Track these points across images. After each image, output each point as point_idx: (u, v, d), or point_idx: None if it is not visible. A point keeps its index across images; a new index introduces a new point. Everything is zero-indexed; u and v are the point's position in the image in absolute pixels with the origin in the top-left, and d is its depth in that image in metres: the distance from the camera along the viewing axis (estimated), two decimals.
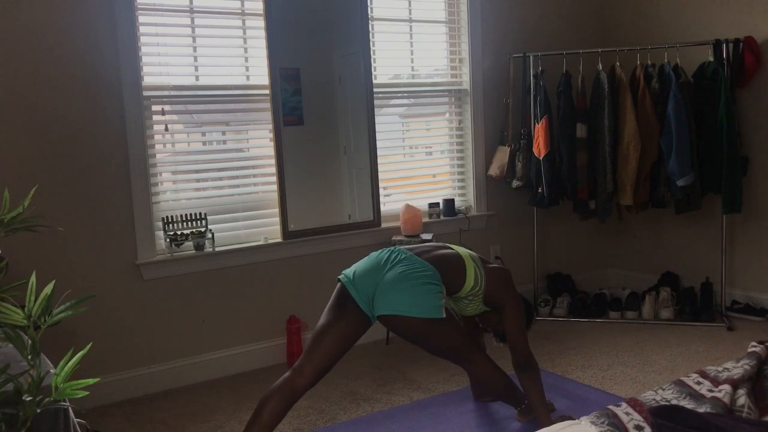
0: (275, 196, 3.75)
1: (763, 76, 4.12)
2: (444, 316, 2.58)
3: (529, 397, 2.81)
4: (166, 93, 3.50)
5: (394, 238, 4.03)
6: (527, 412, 2.92)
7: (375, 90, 4.04)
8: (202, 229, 3.56)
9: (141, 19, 3.39)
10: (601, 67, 4.18)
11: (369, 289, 2.60)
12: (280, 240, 3.76)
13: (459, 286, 2.71)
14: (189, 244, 3.54)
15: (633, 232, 4.90)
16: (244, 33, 3.72)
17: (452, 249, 2.81)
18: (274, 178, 3.74)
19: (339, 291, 2.69)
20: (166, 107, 3.52)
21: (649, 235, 4.82)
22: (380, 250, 2.75)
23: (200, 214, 3.57)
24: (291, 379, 2.57)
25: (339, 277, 2.72)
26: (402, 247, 2.76)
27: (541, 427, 2.64)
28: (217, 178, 3.73)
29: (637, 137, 4.05)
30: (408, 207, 4.08)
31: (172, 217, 3.49)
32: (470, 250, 2.91)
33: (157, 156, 3.52)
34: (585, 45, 4.52)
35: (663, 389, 2.11)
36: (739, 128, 4.07)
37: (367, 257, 2.75)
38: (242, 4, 3.69)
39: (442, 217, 4.31)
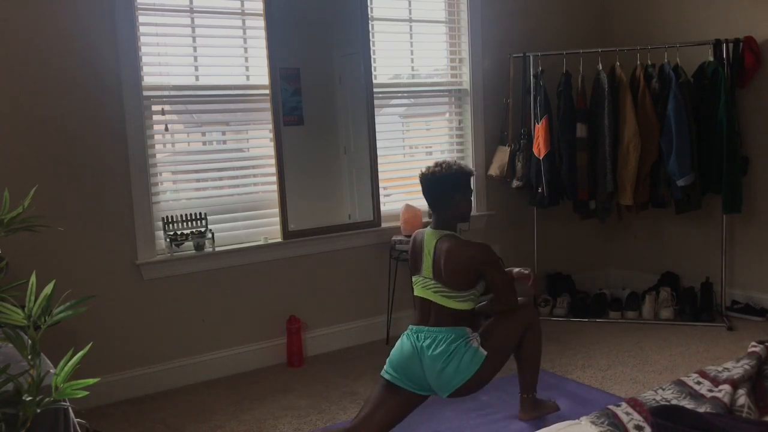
0: (275, 196, 3.75)
1: (763, 76, 4.12)
2: (485, 353, 2.65)
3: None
4: (166, 93, 3.50)
5: (394, 238, 4.03)
6: (529, 408, 2.92)
7: (375, 90, 4.03)
8: (202, 229, 3.56)
9: (141, 19, 3.39)
10: (601, 67, 4.18)
11: (423, 381, 2.70)
12: (280, 240, 3.75)
13: (466, 314, 2.74)
14: (189, 244, 3.54)
15: (633, 232, 4.90)
16: (244, 33, 3.72)
17: (431, 301, 2.75)
18: (274, 178, 3.74)
19: (388, 384, 2.75)
20: (166, 107, 3.52)
21: (649, 235, 4.82)
22: (404, 337, 2.78)
23: (200, 214, 3.56)
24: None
25: (383, 374, 2.77)
26: (420, 326, 2.75)
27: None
28: (217, 178, 3.73)
29: (637, 137, 4.05)
30: (408, 207, 4.08)
31: (172, 217, 3.48)
32: (432, 279, 2.76)
33: (157, 156, 3.52)
34: (585, 45, 4.51)
35: (663, 389, 2.11)
36: (739, 128, 4.07)
37: (396, 352, 2.77)
38: (242, 4, 3.69)
39: None
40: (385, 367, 2.78)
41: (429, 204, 2.84)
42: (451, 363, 2.63)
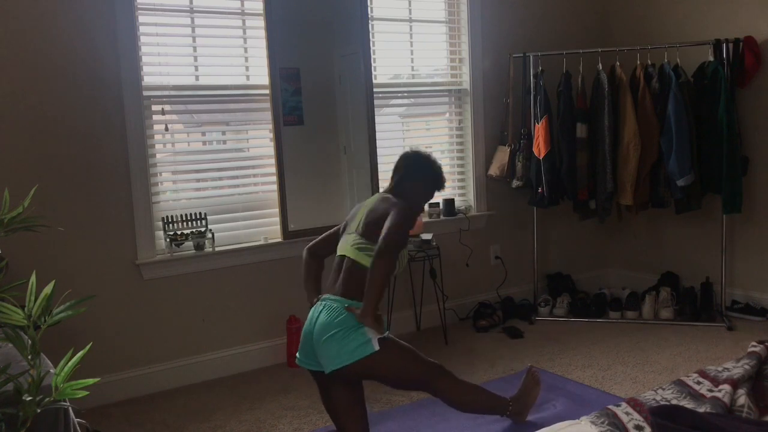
0: (275, 196, 3.75)
1: (763, 76, 4.12)
2: (376, 348, 2.45)
3: (366, 291, 2.48)
4: (166, 93, 3.50)
5: None
6: (516, 416, 2.88)
7: (375, 90, 4.03)
8: (202, 229, 3.56)
9: (141, 19, 3.39)
10: (601, 67, 4.18)
11: (313, 354, 2.57)
12: (280, 240, 3.75)
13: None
14: (189, 244, 3.54)
15: (633, 232, 4.90)
16: (244, 33, 3.72)
17: (343, 256, 2.62)
18: (274, 178, 3.74)
19: (310, 372, 2.69)
20: (166, 107, 3.52)
21: (649, 235, 4.82)
22: (313, 307, 2.64)
23: (200, 214, 3.57)
24: None
25: (296, 361, 2.70)
26: (326, 291, 2.64)
27: (362, 318, 2.45)
28: (217, 178, 3.73)
29: (637, 137, 4.05)
30: None
31: (172, 217, 3.49)
32: (355, 233, 2.64)
33: (157, 156, 3.52)
34: (585, 45, 4.51)
35: (663, 389, 2.11)
36: (739, 128, 4.07)
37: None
38: (242, 4, 3.69)
39: (442, 217, 4.31)
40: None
41: (392, 175, 2.79)
42: (334, 338, 2.46)
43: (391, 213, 2.55)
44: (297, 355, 2.67)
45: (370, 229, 2.59)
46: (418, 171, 2.75)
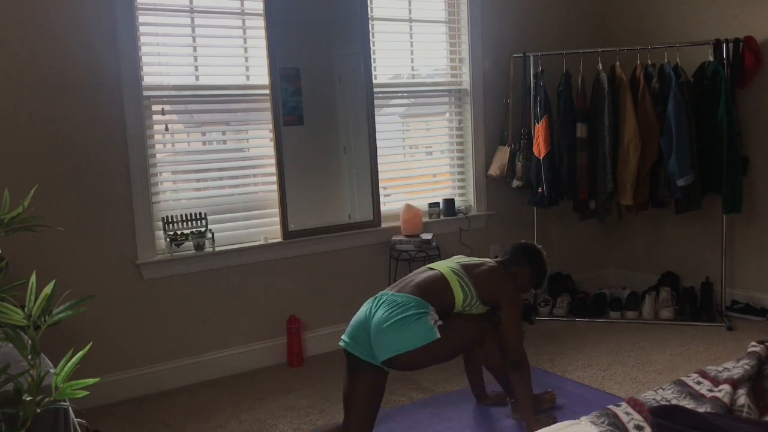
0: (275, 195, 3.75)
1: (763, 76, 4.12)
2: (438, 336, 2.54)
3: (517, 396, 2.83)
4: (166, 93, 3.50)
5: (393, 238, 4.03)
6: (518, 408, 2.92)
7: (375, 90, 4.03)
8: (202, 229, 3.56)
9: (141, 19, 3.39)
10: (601, 67, 4.17)
11: (365, 343, 2.63)
12: (280, 240, 3.75)
13: (451, 304, 2.72)
14: (189, 244, 3.54)
15: (633, 232, 4.90)
16: (244, 33, 3.72)
17: (433, 269, 2.80)
18: (274, 178, 3.74)
19: (346, 356, 2.72)
20: (166, 107, 3.52)
21: (649, 235, 4.82)
22: (367, 301, 2.74)
23: (200, 214, 3.57)
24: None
25: (339, 343, 2.74)
26: (385, 290, 2.75)
27: (528, 427, 2.66)
28: (217, 178, 3.73)
29: (637, 137, 4.05)
30: (408, 207, 4.08)
31: (172, 217, 3.49)
32: (456, 257, 2.92)
33: (157, 156, 3.52)
34: (585, 45, 4.51)
35: (663, 389, 2.11)
36: (739, 128, 4.07)
37: (357, 312, 2.74)
38: (242, 4, 3.69)
39: (442, 217, 4.31)
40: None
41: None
42: (398, 329, 2.54)
43: (502, 307, 2.78)
44: (344, 338, 2.70)
45: (467, 269, 2.80)
46: (530, 258, 2.96)
